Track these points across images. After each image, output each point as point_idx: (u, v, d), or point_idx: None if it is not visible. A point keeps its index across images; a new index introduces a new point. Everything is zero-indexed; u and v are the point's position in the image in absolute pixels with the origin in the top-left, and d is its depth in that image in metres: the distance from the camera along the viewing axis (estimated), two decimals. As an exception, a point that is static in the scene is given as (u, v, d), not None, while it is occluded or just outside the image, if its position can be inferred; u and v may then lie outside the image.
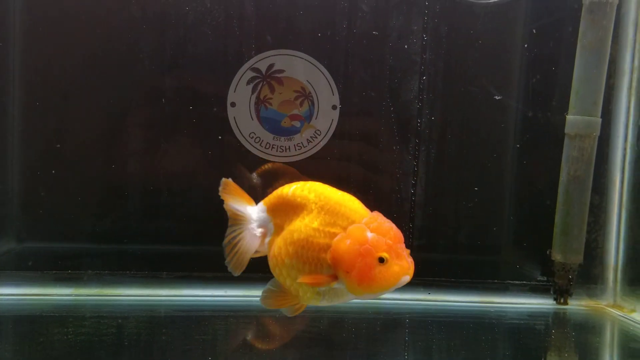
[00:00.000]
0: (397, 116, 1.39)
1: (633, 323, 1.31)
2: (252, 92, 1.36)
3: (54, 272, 1.33)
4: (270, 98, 1.37)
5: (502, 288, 1.43)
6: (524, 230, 1.44)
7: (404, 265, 0.79)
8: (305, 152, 1.39)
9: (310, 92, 1.37)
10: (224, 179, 0.90)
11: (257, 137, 1.37)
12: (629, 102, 1.40)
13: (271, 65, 1.36)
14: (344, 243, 0.79)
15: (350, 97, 1.38)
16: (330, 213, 0.82)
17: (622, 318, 1.36)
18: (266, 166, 1.21)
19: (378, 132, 1.40)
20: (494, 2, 1.38)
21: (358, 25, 1.37)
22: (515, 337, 1.29)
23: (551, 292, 1.43)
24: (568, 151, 1.38)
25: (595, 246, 1.43)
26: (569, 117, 1.37)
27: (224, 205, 0.89)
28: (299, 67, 1.36)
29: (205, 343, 1.05)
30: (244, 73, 1.35)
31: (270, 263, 0.86)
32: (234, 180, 0.92)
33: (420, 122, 1.40)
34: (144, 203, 1.36)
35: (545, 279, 1.43)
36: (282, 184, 0.92)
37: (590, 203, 1.40)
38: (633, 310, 1.37)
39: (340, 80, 1.37)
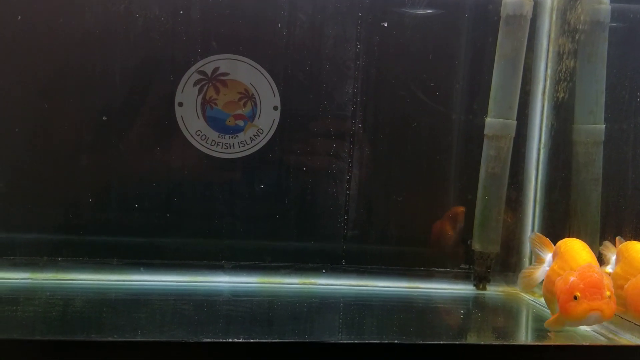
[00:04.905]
0: (333, 117, 1.51)
1: (539, 306, 1.45)
2: (199, 93, 1.47)
3: (11, 258, 1.44)
4: (216, 99, 1.48)
5: (428, 275, 1.57)
6: (448, 222, 1.57)
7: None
8: (248, 149, 1.50)
9: (253, 94, 1.49)
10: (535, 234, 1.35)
11: (203, 135, 1.48)
12: (542, 106, 1.54)
13: (216, 69, 1.47)
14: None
15: (290, 99, 1.50)
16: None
17: (532, 302, 1.50)
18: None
19: (316, 131, 1.52)
20: (422, 14, 1.51)
21: (297, 32, 1.49)
22: (439, 318, 1.43)
23: (472, 278, 1.57)
24: (487, 150, 1.51)
25: (512, 237, 1.57)
26: (488, 120, 1.51)
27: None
28: (243, 71, 1.48)
29: (141, 320, 1.16)
30: (191, 75, 1.46)
31: None
32: None
33: (354, 122, 1.52)
34: (96, 196, 1.46)
35: (466, 266, 1.57)
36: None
37: (508, 198, 1.54)
38: (542, 295, 1.50)
39: (281, 83, 1.49)
